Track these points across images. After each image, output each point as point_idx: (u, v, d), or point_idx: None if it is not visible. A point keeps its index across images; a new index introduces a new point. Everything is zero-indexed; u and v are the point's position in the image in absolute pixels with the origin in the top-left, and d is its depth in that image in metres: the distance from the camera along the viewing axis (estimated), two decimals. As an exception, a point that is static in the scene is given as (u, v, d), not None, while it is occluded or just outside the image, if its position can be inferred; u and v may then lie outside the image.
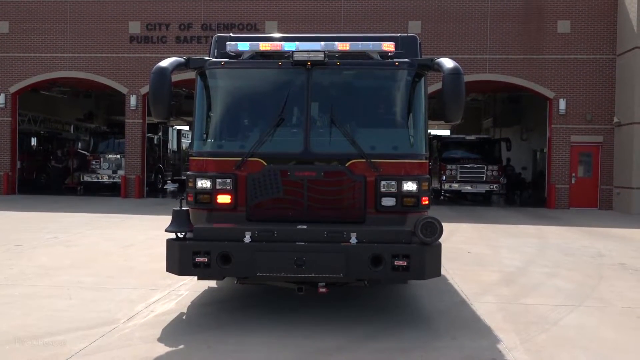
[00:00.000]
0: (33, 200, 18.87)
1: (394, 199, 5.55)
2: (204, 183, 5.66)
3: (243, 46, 5.94)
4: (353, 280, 5.23)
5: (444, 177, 21.67)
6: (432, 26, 19.33)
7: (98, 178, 22.24)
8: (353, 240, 5.04)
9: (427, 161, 5.86)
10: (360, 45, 5.86)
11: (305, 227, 5.22)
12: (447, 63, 5.39)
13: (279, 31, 18.93)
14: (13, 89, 20.67)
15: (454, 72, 5.27)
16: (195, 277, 5.78)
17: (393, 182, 5.54)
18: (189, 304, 5.90)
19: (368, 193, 5.56)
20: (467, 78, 18.51)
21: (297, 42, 5.88)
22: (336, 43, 5.88)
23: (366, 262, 4.97)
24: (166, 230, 5.25)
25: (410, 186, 5.55)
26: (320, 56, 5.64)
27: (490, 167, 21.71)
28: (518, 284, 7.16)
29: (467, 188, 21.79)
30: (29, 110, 24.00)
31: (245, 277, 5.31)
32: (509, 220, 14.86)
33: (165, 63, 5.43)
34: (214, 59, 5.96)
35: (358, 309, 5.81)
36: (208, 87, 5.91)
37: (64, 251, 9.01)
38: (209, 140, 5.87)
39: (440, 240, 5.15)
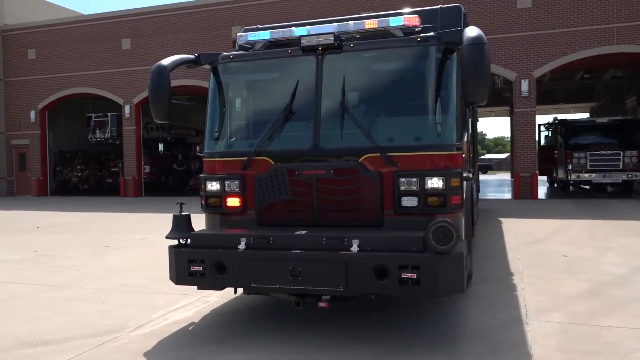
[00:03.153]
0: (154, 201, 20.37)
1: (416, 199, 4.72)
2: (213, 185, 5.34)
3: (253, 36, 5.51)
4: (356, 294, 4.52)
5: (570, 167, 19.15)
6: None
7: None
8: (354, 248, 4.34)
9: (460, 152, 4.90)
10: (378, 22, 5.09)
11: (303, 232, 4.63)
12: (469, 32, 4.44)
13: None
14: (136, 99, 22.58)
15: (474, 41, 4.31)
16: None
17: (414, 179, 4.72)
18: (207, 312, 5.62)
19: (385, 192, 4.80)
20: (587, 53, 16.47)
21: (308, 27, 5.29)
22: (350, 22, 5.18)
23: (369, 273, 4.25)
24: (167, 237, 5.00)
25: (435, 183, 4.68)
26: (330, 39, 5.00)
27: (628, 153, 18.75)
28: (605, 298, 5.79)
29: (599, 178, 19.09)
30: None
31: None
32: (638, 216, 12.57)
33: (166, 61, 5.18)
34: (224, 53, 5.60)
35: (384, 325, 5.04)
36: (220, 83, 5.57)
37: (139, 252, 9.35)
38: (221, 140, 5.51)
39: (460, 247, 4.25)
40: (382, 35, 5.17)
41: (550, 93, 31.51)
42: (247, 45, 5.67)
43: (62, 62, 23.65)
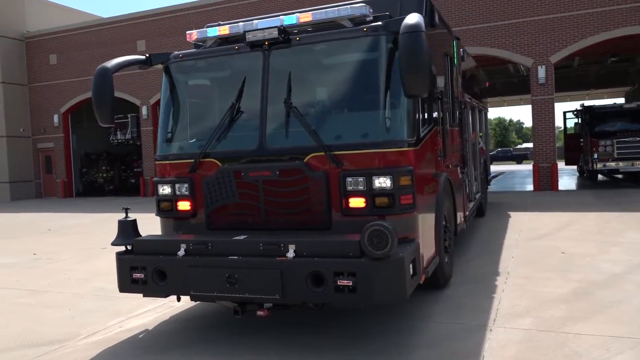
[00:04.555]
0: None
1: (363, 199, 4.44)
2: (164, 189, 5.20)
3: (202, 33, 5.33)
4: (294, 302, 4.28)
5: (595, 155, 18.27)
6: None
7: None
8: (290, 254, 4.10)
9: (413, 149, 4.58)
10: (325, 14, 4.81)
11: (241, 238, 4.42)
12: (407, 19, 4.12)
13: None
14: (152, 100, 22.81)
15: (409, 29, 4.00)
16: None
17: (360, 178, 4.44)
18: (167, 318, 5.49)
19: (332, 193, 4.54)
20: (607, 35, 15.57)
21: (256, 21, 5.06)
22: (297, 14, 4.92)
23: (305, 281, 4.01)
24: (112, 244, 4.88)
25: (382, 182, 4.40)
26: (275, 33, 4.76)
27: (660, 139, 17.74)
28: (588, 300, 5.36)
29: (627, 167, 18.14)
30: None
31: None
32: (662, 207, 11.82)
33: (109, 63, 5.04)
34: (175, 52, 5.43)
35: (336, 332, 4.79)
36: (170, 83, 5.41)
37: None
38: (172, 142, 5.35)
39: (402, 251, 3.97)
40: (335, 27, 4.89)
41: (580, 78, 30.30)
42: (200, 43, 5.49)
43: (82, 66, 24.10)
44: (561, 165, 24.59)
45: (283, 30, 4.79)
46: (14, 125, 25.46)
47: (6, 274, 8.25)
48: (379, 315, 5.13)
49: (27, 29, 26.15)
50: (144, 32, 23.03)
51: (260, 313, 4.33)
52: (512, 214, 11.93)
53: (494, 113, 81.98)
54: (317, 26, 4.97)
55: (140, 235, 4.94)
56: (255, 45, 4.90)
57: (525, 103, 39.09)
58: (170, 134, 5.39)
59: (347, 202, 4.48)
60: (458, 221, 6.99)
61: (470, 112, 9.62)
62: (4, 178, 25.28)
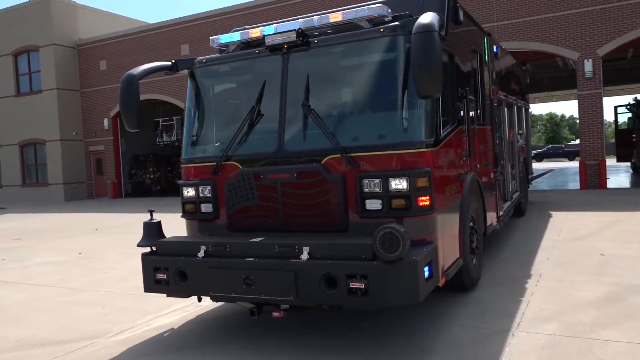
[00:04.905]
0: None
1: (380, 201, 4.42)
2: (188, 192, 5.35)
3: (225, 38, 5.46)
4: (309, 304, 4.31)
5: (649, 152, 17.49)
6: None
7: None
8: (304, 256, 4.14)
9: (433, 149, 4.52)
10: (343, 15, 4.82)
11: (258, 240, 4.48)
12: (421, 19, 4.07)
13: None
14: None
15: (420, 29, 3.95)
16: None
17: (377, 180, 4.43)
18: (192, 317, 5.64)
19: (348, 195, 4.55)
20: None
21: (275, 25, 5.13)
22: (315, 17, 4.96)
23: (318, 283, 4.03)
24: (137, 245, 5.06)
25: (398, 184, 4.36)
26: (293, 36, 4.80)
27: None
28: (620, 305, 5.14)
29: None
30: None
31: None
32: None
33: (135, 70, 5.23)
34: (199, 58, 5.56)
35: (357, 333, 4.78)
36: (195, 88, 5.56)
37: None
38: (197, 146, 5.49)
39: (416, 254, 3.93)
40: (353, 28, 4.89)
41: (634, 71, 28.88)
42: (223, 48, 5.61)
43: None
44: (612, 162, 23.54)
45: (301, 33, 4.82)
46: (67, 130, 26.66)
47: (52, 272, 8.66)
48: (401, 317, 5.09)
49: (79, 37, 27.32)
50: (187, 37, 23.62)
51: (275, 314, 4.38)
52: (553, 213, 11.54)
53: (544, 108, 79.35)
54: (337, 28, 4.98)
55: (165, 237, 5.09)
56: (275, 48, 4.96)
57: (577, 98, 37.66)
58: (194, 138, 5.53)
59: (364, 204, 4.47)
60: (489, 222, 6.84)
61: (506, 109, 9.37)
62: (59, 180, 26.53)
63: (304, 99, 4.75)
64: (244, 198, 4.96)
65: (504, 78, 9.19)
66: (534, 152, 51.76)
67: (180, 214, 5.45)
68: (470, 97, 6.02)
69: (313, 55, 4.88)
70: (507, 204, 8.85)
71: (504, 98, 9.13)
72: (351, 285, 3.92)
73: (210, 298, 4.76)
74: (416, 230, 4.38)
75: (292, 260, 4.15)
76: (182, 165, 5.52)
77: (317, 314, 5.12)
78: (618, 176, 22.44)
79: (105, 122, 26.20)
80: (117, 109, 25.80)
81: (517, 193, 10.34)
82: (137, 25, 28.37)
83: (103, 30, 27.41)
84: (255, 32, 5.22)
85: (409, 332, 4.75)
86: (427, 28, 3.92)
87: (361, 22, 4.79)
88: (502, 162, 8.95)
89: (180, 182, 5.46)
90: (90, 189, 27.47)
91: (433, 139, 4.55)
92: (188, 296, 4.91)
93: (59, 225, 16.18)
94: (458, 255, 5.23)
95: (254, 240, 4.48)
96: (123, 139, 26.88)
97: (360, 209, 4.50)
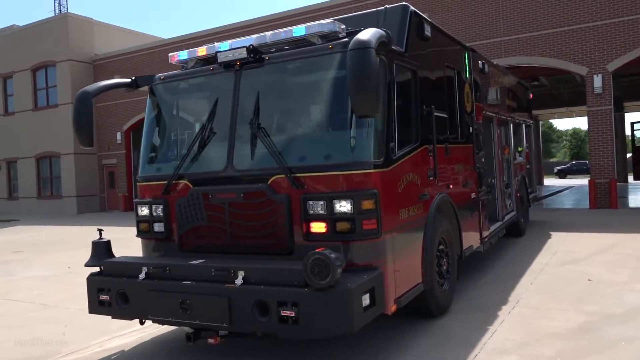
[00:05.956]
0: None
1: (324, 224, 4.24)
2: (142, 210, 5.24)
3: (183, 55, 5.37)
4: (243, 331, 4.12)
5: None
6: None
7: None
8: (239, 280, 3.98)
9: (382, 169, 4.32)
10: (294, 31, 4.69)
11: (196, 262, 4.34)
12: (358, 35, 3.91)
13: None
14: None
15: (354, 46, 3.79)
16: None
17: (321, 202, 4.25)
18: (148, 339, 5.49)
19: (294, 217, 4.37)
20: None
21: (230, 41, 5.03)
22: (267, 33, 4.84)
23: (251, 309, 3.86)
24: (85, 265, 4.96)
25: (342, 206, 4.18)
26: (244, 53, 4.69)
27: None
28: (591, 337, 4.81)
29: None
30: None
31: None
32: None
33: (89, 87, 5.16)
34: (158, 74, 5.49)
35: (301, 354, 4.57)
36: (152, 105, 5.49)
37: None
38: (152, 164, 5.40)
39: (356, 281, 3.75)
40: (307, 45, 4.75)
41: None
42: (183, 65, 5.53)
43: (142, 86, 25.28)
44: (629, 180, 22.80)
45: (252, 49, 4.71)
46: (81, 143, 27.05)
47: (34, 287, 8.65)
48: (357, 340, 4.86)
49: (95, 52, 27.86)
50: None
51: (210, 340, 4.22)
52: (554, 234, 11.13)
53: (568, 124, 77.83)
54: (292, 45, 4.85)
55: (113, 257, 4.98)
56: (229, 65, 4.85)
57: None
58: (150, 155, 5.45)
59: (309, 227, 4.30)
60: (467, 244, 6.57)
61: (497, 127, 9.10)
62: (72, 192, 26.91)
63: (252, 117, 4.62)
64: (193, 218, 4.83)
65: (495, 95, 8.93)
66: (557, 168, 50.64)
67: (135, 233, 5.34)
68: (441, 114, 5.80)
69: (264, 73, 4.76)
70: (497, 224, 8.54)
71: (495, 115, 8.86)
72: (282, 313, 3.73)
73: (152, 322, 4.62)
74: (361, 255, 4.20)
75: (226, 284, 3.99)
76: (138, 184, 5.43)
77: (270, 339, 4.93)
78: (637, 194, 21.74)
79: (118, 136, 26.56)
80: (130, 122, 26.19)
81: (513, 213, 10.01)
82: (150, 40, 28.80)
83: (118, 46, 27.91)
84: (202, 50, 5.14)
85: (356, 358, 4.53)
86: (362, 45, 3.75)
87: (313, 38, 4.65)
88: (491, 180, 8.67)
89: (135, 200, 5.36)
90: (102, 201, 27.79)
91: (382, 159, 4.35)
92: (131, 319, 4.76)
93: (64, 238, 16.30)
94: (419, 280, 5.00)
95: (193, 262, 4.33)
96: (135, 152, 27.17)
97: (305, 232, 4.32)
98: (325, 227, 4.23)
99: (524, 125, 11.90)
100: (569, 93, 29.09)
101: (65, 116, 26.96)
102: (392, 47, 4.59)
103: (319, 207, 4.25)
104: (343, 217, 4.17)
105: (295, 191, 4.35)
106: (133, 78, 5.54)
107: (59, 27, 27.33)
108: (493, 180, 8.82)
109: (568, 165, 52.30)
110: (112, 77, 26.70)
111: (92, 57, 27.75)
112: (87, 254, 5.12)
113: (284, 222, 4.39)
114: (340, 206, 4.18)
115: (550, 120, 69.63)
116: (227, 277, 4.03)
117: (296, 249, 4.36)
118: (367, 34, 3.88)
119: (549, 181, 38.39)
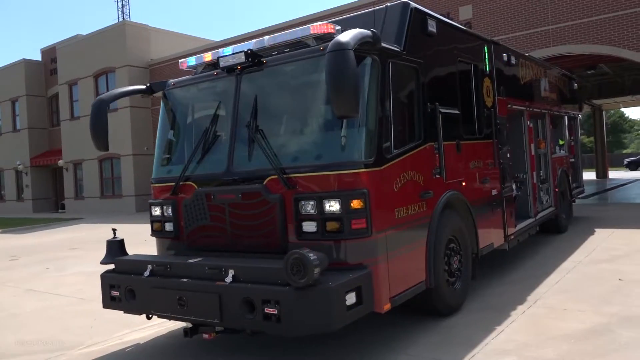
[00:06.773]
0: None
1: (315, 224, 4.32)
2: (155, 210, 5.52)
3: (191, 61, 5.59)
4: (233, 327, 4.27)
5: None
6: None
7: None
8: (229, 278, 4.13)
9: (373, 169, 4.33)
10: (290, 34, 4.78)
11: (193, 260, 4.53)
12: (338, 36, 3.95)
13: (474, 18, 17.02)
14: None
15: (332, 48, 3.83)
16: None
17: (312, 202, 4.33)
18: (165, 332, 5.77)
19: (288, 216, 4.48)
20: None
21: (233, 46, 5.19)
22: (265, 38, 4.96)
23: (238, 306, 4.01)
24: (100, 263, 5.28)
25: (331, 206, 4.24)
26: (242, 57, 4.85)
27: None
28: (601, 340, 4.60)
29: None
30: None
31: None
32: None
33: (105, 95, 5.49)
34: (171, 80, 5.75)
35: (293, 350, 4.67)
36: (165, 110, 5.79)
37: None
38: (164, 166, 5.66)
39: (339, 280, 3.82)
40: (304, 47, 4.82)
41: None
42: (194, 70, 5.75)
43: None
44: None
45: (251, 53, 4.84)
46: (139, 145, 28.34)
47: (79, 282, 9.23)
48: (357, 336, 4.91)
49: (151, 57, 29.06)
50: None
51: (205, 336, 4.40)
52: (598, 230, 10.62)
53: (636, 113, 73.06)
54: (290, 47, 4.94)
55: (127, 254, 5.27)
56: (230, 70, 5.02)
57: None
58: (162, 158, 5.71)
59: (301, 226, 4.38)
60: (486, 242, 6.43)
61: (529, 120, 8.79)
62: (131, 192, 28.24)
63: (249, 120, 4.76)
64: (198, 218, 5.03)
65: (524, 87, 8.64)
66: (627, 160, 47.55)
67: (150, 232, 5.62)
68: (450, 111, 5.70)
69: (262, 76, 4.89)
70: (528, 221, 8.27)
71: (525, 108, 8.57)
72: (266, 311, 3.85)
73: (157, 317, 4.86)
74: (351, 254, 4.24)
75: (217, 282, 4.16)
76: (152, 185, 5.70)
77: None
78: None
79: (172, 137, 27.55)
80: (183, 124, 27.05)
81: (551, 209, 9.65)
82: (203, 43, 29.66)
83: (173, 51, 28.93)
84: (207, 56, 5.32)
85: (353, 355, 4.56)
86: (339, 47, 3.79)
87: (308, 40, 4.72)
88: (522, 176, 8.43)
89: (149, 201, 5.64)
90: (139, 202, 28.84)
91: (373, 159, 4.36)
92: (139, 314, 5.02)
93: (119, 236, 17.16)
94: (421, 279, 4.97)
95: (190, 261, 4.53)
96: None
97: (297, 231, 4.41)
98: (316, 227, 4.30)
99: (566, 117, 11.41)
100: (633, 80, 27.47)
101: (124, 119, 28.33)
102: (385, 45, 4.58)
103: (310, 206, 4.32)
104: (332, 216, 4.23)
105: (288, 191, 4.45)
106: (148, 84, 5.82)
107: (117, 35, 28.71)
108: (524, 176, 8.55)
109: (636, 157, 49.01)
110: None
111: (148, 62, 28.95)
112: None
113: (278, 221, 4.49)
114: (329, 206, 4.24)
115: (622, 109, 65.88)
116: (218, 275, 4.20)
117: (290, 248, 4.43)
118: (346, 36, 3.91)
119: (615, 174, 36.36)
